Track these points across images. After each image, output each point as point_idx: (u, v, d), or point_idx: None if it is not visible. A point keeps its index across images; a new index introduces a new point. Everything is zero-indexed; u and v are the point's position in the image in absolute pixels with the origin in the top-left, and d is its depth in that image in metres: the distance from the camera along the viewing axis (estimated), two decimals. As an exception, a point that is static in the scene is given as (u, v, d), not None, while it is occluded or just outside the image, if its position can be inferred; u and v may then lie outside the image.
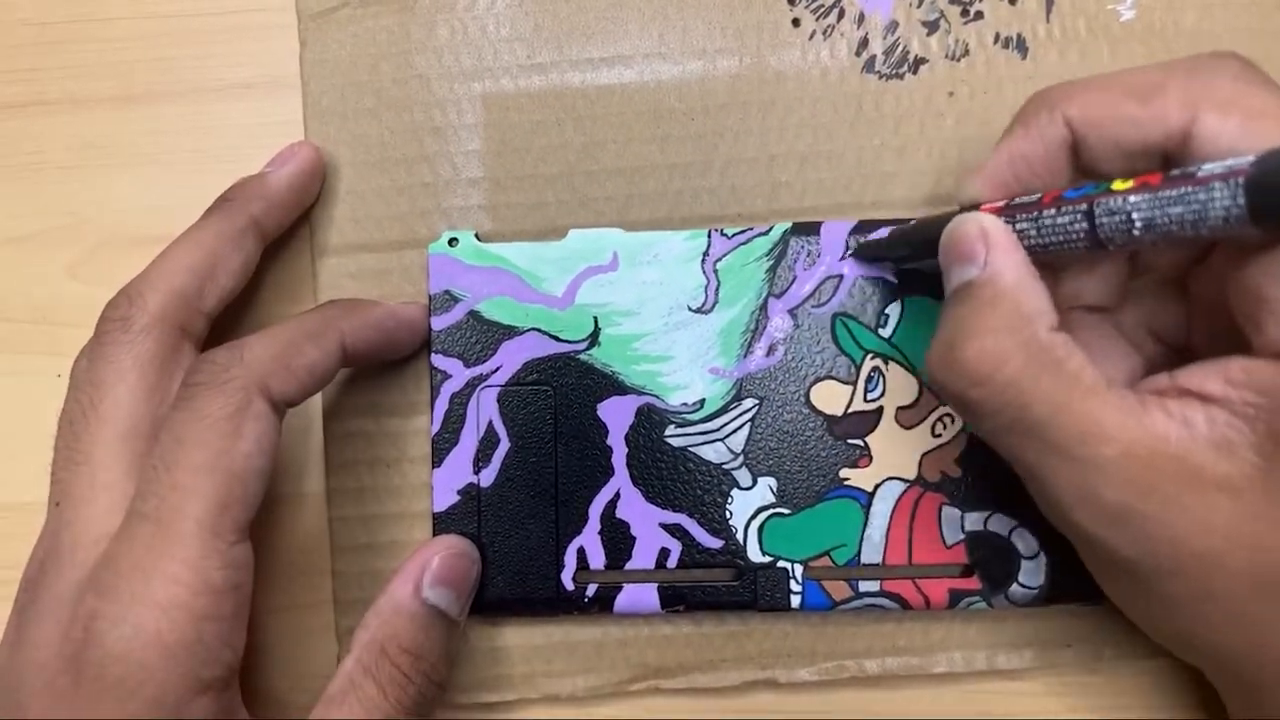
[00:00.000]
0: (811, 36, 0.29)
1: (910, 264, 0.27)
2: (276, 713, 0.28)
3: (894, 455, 0.27)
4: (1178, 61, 0.21)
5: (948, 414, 0.27)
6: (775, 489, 0.27)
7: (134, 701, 0.21)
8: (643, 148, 0.29)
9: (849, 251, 0.27)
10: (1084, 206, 0.20)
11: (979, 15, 0.29)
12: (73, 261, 0.30)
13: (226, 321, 0.28)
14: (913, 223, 0.26)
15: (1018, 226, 0.22)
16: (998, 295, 0.21)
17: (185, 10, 0.30)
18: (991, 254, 0.21)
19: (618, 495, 0.27)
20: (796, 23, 0.29)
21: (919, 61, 0.29)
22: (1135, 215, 0.20)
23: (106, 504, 0.23)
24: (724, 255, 0.28)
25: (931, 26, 0.29)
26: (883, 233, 0.27)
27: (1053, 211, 0.21)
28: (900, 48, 0.29)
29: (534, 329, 0.28)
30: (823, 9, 0.29)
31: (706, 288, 0.28)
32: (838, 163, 0.28)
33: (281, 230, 0.28)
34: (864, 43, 0.29)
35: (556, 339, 0.28)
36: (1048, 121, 0.22)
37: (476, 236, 0.28)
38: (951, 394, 0.22)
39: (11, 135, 0.30)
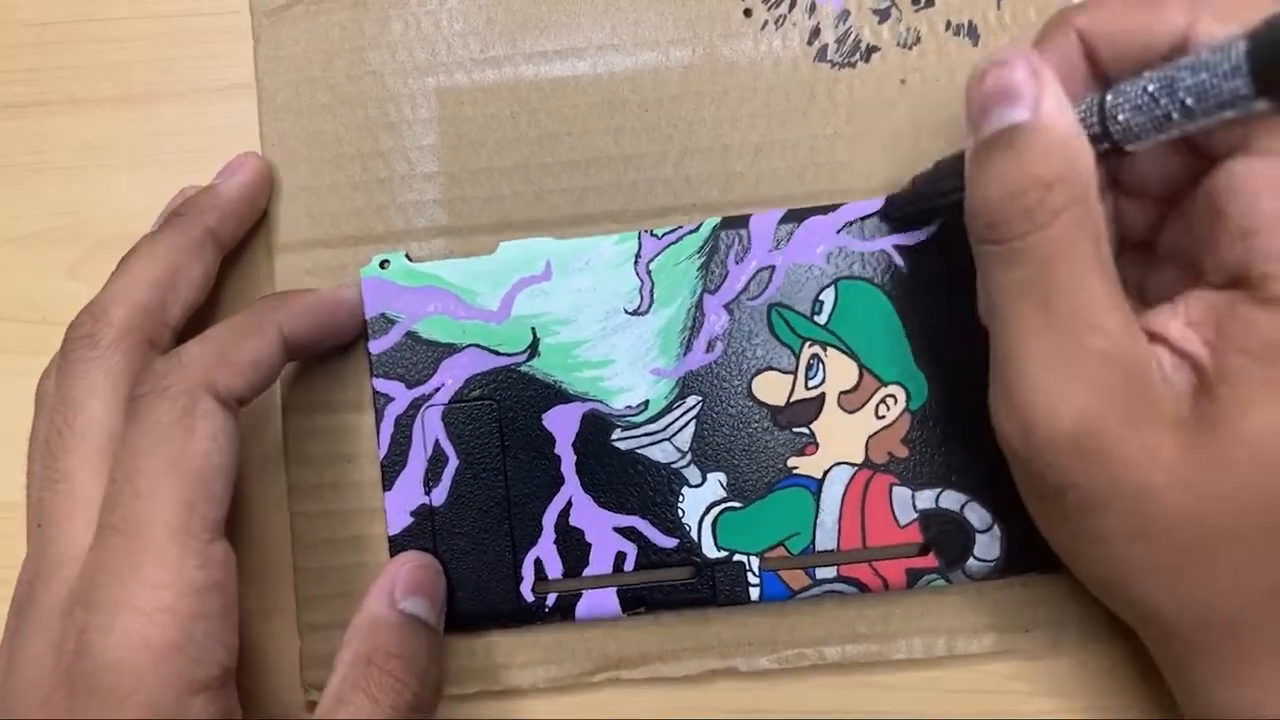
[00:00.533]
0: (764, 26, 0.29)
1: (939, 201, 0.26)
2: (273, 714, 0.28)
3: (840, 440, 0.27)
4: None
5: (890, 395, 0.27)
6: (725, 483, 0.27)
7: (128, 707, 0.21)
8: (597, 139, 0.29)
9: (882, 210, 0.27)
10: (1096, 97, 0.21)
11: (930, 3, 0.29)
12: (73, 261, 0.30)
13: (187, 327, 0.28)
14: (934, 164, 0.26)
15: None
16: (1050, 144, 0.19)
17: (185, 10, 0.30)
18: (1044, 94, 0.20)
19: (570, 503, 0.27)
20: (748, 13, 0.29)
21: (871, 50, 0.29)
22: (1149, 87, 0.20)
23: (88, 519, 0.23)
24: (655, 256, 0.28)
25: (883, 15, 0.29)
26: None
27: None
28: (852, 36, 0.29)
29: (473, 345, 0.28)
30: (775, -1, 0.29)
31: (641, 289, 0.28)
32: (792, 152, 0.29)
33: (236, 240, 0.28)
34: (816, 32, 0.29)
35: (496, 353, 0.28)
36: (1062, 37, 0.22)
37: (407, 257, 0.28)
38: (975, 217, 0.21)
39: (11, 135, 0.30)
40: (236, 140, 0.29)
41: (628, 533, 0.27)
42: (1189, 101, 0.19)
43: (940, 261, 0.27)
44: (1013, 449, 0.22)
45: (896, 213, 0.27)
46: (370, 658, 0.24)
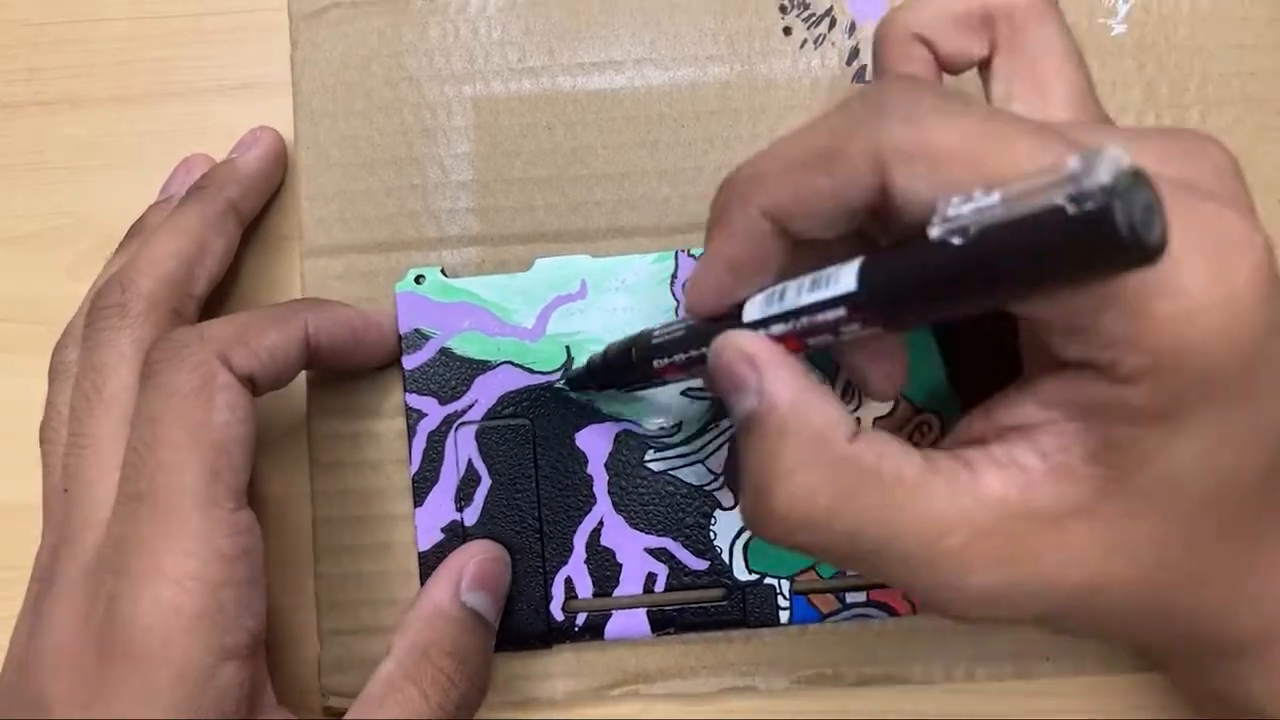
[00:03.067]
0: (803, 45, 0.28)
1: (634, 387, 0.26)
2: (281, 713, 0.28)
3: (873, 466, 0.27)
4: (840, 112, 0.19)
5: (925, 422, 0.27)
6: (758, 507, 0.27)
7: (159, 673, 0.21)
8: (633, 153, 0.28)
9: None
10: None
11: (971, 28, 0.28)
12: (72, 262, 0.30)
13: (215, 308, 0.28)
14: (603, 353, 0.25)
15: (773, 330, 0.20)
16: (783, 423, 0.19)
17: (185, 10, 0.30)
18: (763, 378, 0.19)
19: (601, 523, 0.27)
20: (788, 31, 0.28)
21: (910, 73, 0.28)
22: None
23: (115, 484, 0.23)
24: (692, 276, 0.27)
25: None
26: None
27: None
28: None
29: (506, 362, 0.27)
30: (814, 18, 0.28)
31: (677, 310, 0.27)
32: (827, 173, 0.28)
33: (255, 213, 0.29)
34: (855, 52, 0.28)
35: (530, 370, 0.27)
36: (744, 219, 0.20)
37: (443, 272, 0.28)
38: (779, 544, 0.20)
39: (11, 135, 0.30)
40: (235, 140, 0.29)
41: (659, 554, 0.27)
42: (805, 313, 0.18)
43: (979, 289, 0.27)
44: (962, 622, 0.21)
45: (576, 387, 0.27)
46: (426, 650, 0.24)
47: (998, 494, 0.18)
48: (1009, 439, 0.19)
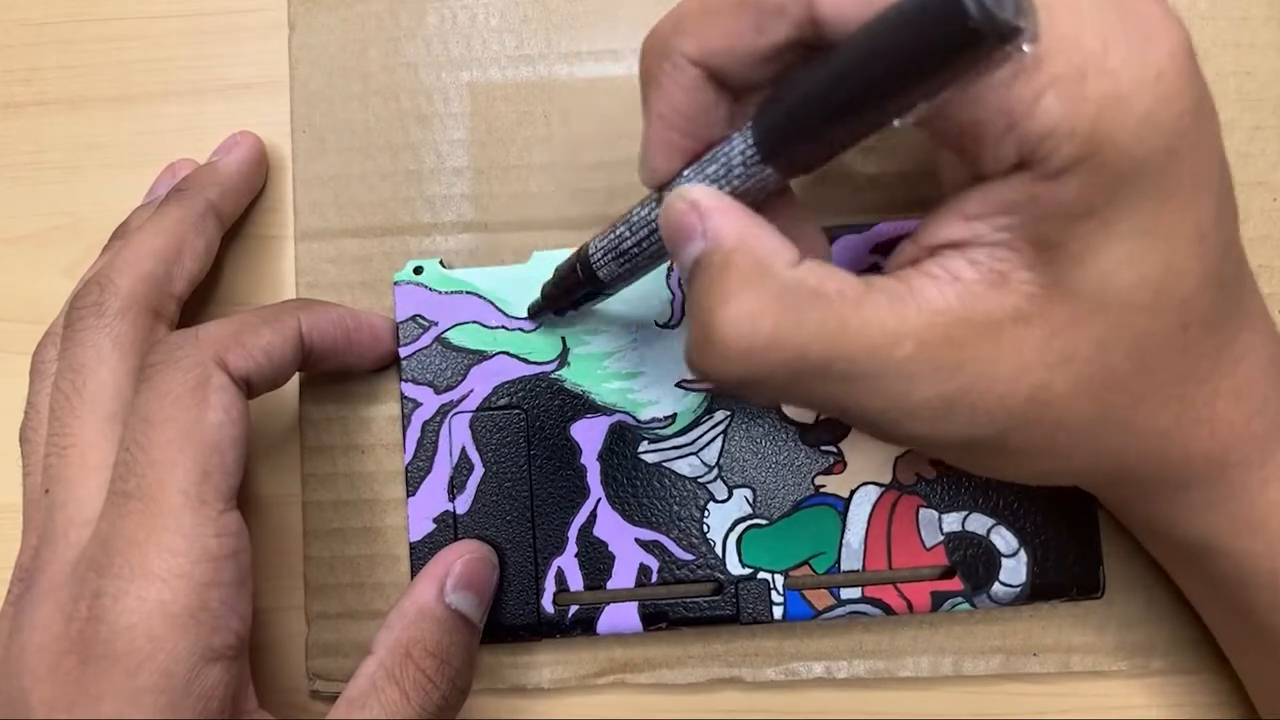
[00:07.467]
0: None
1: (585, 300, 0.26)
2: (276, 706, 0.28)
3: (868, 460, 0.27)
4: None
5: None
6: (751, 500, 0.27)
7: (144, 673, 0.21)
8: (628, 142, 0.29)
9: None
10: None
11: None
12: (70, 262, 0.30)
13: (208, 310, 0.28)
14: (554, 271, 0.26)
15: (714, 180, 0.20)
16: (726, 258, 0.19)
17: (185, 10, 0.31)
18: (707, 221, 0.19)
19: (594, 515, 0.27)
20: None
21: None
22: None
23: (97, 485, 0.23)
24: (688, 269, 0.28)
25: None
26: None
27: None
28: None
29: (503, 352, 0.28)
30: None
31: (673, 303, 0.27)
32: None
33: (236, 215, 0.29)
34: None
35: (526, 361, 0.28)
36: (672, 70, 0.20)
37: (441, 263, 0.28)
38: (726, 379, 0.19)
39: (10, 135, 0.31)
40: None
41: (652, 546, 0.27)
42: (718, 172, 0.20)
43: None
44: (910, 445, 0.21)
45: (539, 316, 0.28)
46: (409, 650, 0.24)
47: (938, 304, 0.19)
48: (941, 255, 0.19)
